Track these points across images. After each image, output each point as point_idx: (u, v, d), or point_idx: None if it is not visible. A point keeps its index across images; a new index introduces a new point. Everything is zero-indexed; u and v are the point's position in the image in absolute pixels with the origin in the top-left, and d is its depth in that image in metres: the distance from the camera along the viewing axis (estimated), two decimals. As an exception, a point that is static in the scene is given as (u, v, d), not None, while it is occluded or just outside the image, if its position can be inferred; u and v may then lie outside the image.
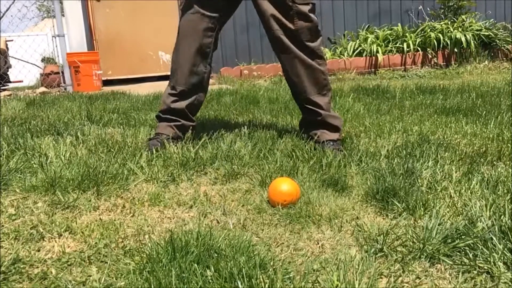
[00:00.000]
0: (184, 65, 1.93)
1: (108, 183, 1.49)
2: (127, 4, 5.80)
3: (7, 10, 7.96)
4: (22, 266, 1.01)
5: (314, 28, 1.88)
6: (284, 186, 1.34)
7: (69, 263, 1.03)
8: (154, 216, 1.29)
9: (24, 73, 6.54)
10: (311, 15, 1.87)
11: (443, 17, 6.29)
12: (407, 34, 5.93)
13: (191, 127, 2.02)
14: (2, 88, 5.54)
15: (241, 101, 3.29)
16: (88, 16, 5.68)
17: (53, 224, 1.20)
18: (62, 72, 5.34)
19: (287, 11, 1.83)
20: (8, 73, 6.48)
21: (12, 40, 7.45)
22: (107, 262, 1.02)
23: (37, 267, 1.01)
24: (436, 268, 0.99)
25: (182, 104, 1.96)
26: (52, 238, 1.14)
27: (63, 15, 5.50)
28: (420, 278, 0.96)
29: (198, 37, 1.90)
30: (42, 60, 7.81)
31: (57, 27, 5.22)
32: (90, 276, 0.98)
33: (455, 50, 5.87)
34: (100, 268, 1.00)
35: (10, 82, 6.41)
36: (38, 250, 1.08)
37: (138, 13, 5.83)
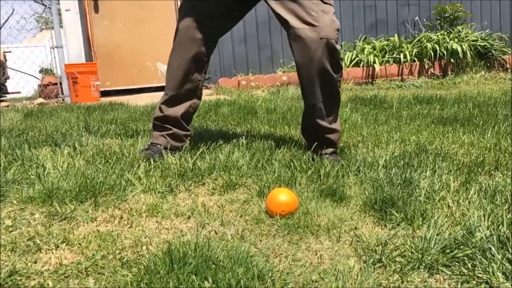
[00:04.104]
0: (178, 71, 1.92)
1: (106, 194, 1.48)
2: (125, 16, 5.84)
3: (5, 21, 8.00)
4: (18, 278, 1.00)
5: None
6: (282, 196, 1.34)
7: (66, 275, 1.02)
8: (151, 227, 1.28)
9: (22, 84, 6.54)
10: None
11: (439, 27, 6.34)
12: (403, 45, 5.97)
13: (185, 136, 2.01)
14: (0, 99, 5.54)
15: (239, 112, 3.30)
16: (86, 28, 5.71)
17: (50, 236, 1.20)
18: (60, 83, 5.35)
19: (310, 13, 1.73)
20: (6, 84, 6.48)
21: (10, 51, 7.48)
22: (104, 274, 1.02)
23: (34, 279, 1.01)
24: (435, 279, 0.99)
25: (177, 112, 1.95)
26: (49, 249, 1.14)
27: (61, 27, 5.52)
28: (419, 289, 0.95)
29: (196, 45, 1.87)
30: (40, 71, 7.82)
31: (56, 38, 5.24)
32: (87, 288, 0.97)
33: (452, 60, 5.91)
34: (97, 280, 1.00)
35: (8, 93, 6.42)
36: (35, 262, 1.08)
37: (136, 24, 5.86)
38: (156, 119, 1.99)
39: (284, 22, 1.78)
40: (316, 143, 1.91)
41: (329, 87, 1.82)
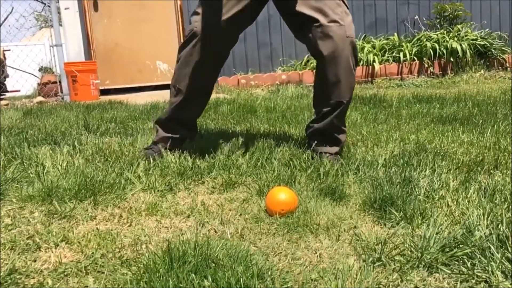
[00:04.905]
0: (200, 72, 1.89)
1: (105, 193, 1.48)
2: (124, 15, 5.83)
3: (4, 19, 7.99)
4: (18, 277, 1.00)
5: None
6: (282, 195, 1.34)
7: (65, 273, 1.02)
8: (151, 226, 1.28)
9: (22, 83, 6.53)
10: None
11: (439, 26, 6.33)
12: (403, 44, 5.97)
13: (189, 137, 2.03)
14: (-1, 97, 5.54)
15: (238, 110, 3.30)
16: (85, 26, 5.70)
17: (50, 234, 1.20)
18: (60, 82, 5.34)
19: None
20: (5, 82, 6.48)
21: (9, 50, 7.47)
22: (104, 273, 1.02)
23: (34, 278, 1.01)
24: (434, 277, 0.99)
25: (193, 112, 2.00)
26: (48, 248, 1.14)
27: (60, 25, 5.51)
28: (418, 288, 0.95)
29: (219, 46, 1.85)
30: (40, 69, 7.82)
31: (55, 36, 5.23)
32: (87, 286, 0.97)
33: (451, 59, 5.91)
34: (97, 279, 1.00)
35: (7, 91, 6.42)
36: (35, 261, 1.08)
37: (135, 23, 5.86)
38: (167, 119, 1.97)
39: (309, 21, 1.80)
40: (321, 141, 1.92)
41: (351, 84, 1.86)
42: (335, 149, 1.92)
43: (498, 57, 6.13)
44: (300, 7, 1.81)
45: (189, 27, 1.87)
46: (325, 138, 1.92)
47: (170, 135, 1.97)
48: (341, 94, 1.84)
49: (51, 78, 5.77)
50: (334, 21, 1.78)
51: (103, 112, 3.50)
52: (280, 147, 2.00)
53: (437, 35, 5.98)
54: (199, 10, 1.85)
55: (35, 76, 6.71)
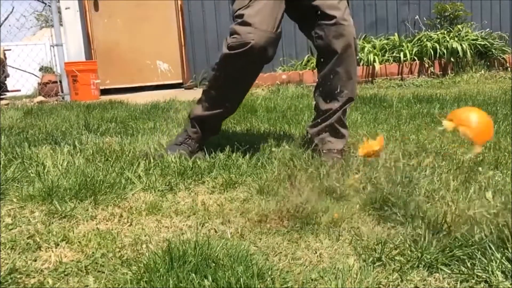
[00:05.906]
0: (248, 85, 1.98)
1: (106, 192, 1.48)
2: (125, 14, 5.83)
3: (5, 19, 7.99)
4: (18, 276, 1.00)
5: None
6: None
7: (66, 273, 1.02)
8: (151, 226, 1.28)
9: (22, 82, 6.54)
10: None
11: (439, 26, 6.33)
12: (403, 44, 5.96)
13: None
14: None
15: (238, 110, 3.29)
16: (86, 26, 5.71)
17: (50, 234, 1.20)
18: (60, 81, 5.35)
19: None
20: (5, 82, 6.48)
21: (10, 49, 7.48)
22: (104, 272, 1.02)
23: (34, 277, 1.01)
24: (434, 277, 0.99)
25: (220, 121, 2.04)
26: (49, 247, 1.14)
27: (61, 25, 5.52)
28: (418, 288, 0.96)
29: (269, 50, 1.86)
30: (40, 69, 7.82)
31: (55, 36, 5.24)
32: (87, 286, 0.97)
33: (452, 59, 5.90)
34: (97, 278, 1.00)
35: (7, 91, 6.42)
36: (35, 260, 1.08)
37: (136, 22, 5.86)
38: (207, 121, 1.96)
39: (325, 18, 1.86)
40: (328, 135, 1.95)
41: (357, 82, 1.96)
42: (340, 144, 1.94)
43: (499, 57, 6.12)
44: (322, 5, 1.87)
45: (239, 39, 1.75)
46: (332, 132, 1.95)
47: (202, 135, 1.96)
48: (352, 91, 1.94)
49: (51, 77, 5.78)
50: (346, 20, 1.86)
51: (103, 111, 3.50)
52: (280, 146, 1.99)
53: (437, 35, 5.97)
54: (250, 20, 1.75)
55: (36, 75, 6.72)
